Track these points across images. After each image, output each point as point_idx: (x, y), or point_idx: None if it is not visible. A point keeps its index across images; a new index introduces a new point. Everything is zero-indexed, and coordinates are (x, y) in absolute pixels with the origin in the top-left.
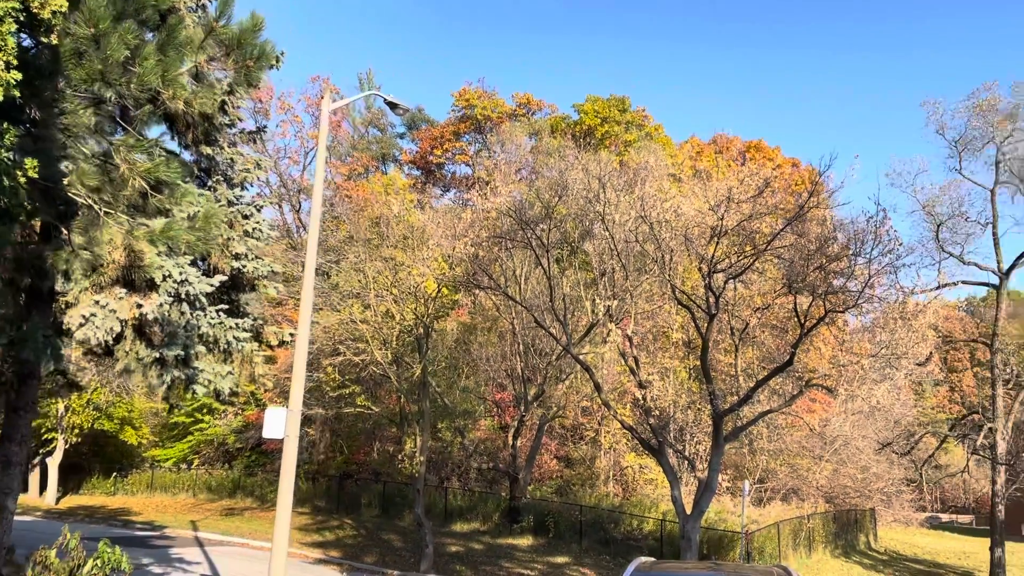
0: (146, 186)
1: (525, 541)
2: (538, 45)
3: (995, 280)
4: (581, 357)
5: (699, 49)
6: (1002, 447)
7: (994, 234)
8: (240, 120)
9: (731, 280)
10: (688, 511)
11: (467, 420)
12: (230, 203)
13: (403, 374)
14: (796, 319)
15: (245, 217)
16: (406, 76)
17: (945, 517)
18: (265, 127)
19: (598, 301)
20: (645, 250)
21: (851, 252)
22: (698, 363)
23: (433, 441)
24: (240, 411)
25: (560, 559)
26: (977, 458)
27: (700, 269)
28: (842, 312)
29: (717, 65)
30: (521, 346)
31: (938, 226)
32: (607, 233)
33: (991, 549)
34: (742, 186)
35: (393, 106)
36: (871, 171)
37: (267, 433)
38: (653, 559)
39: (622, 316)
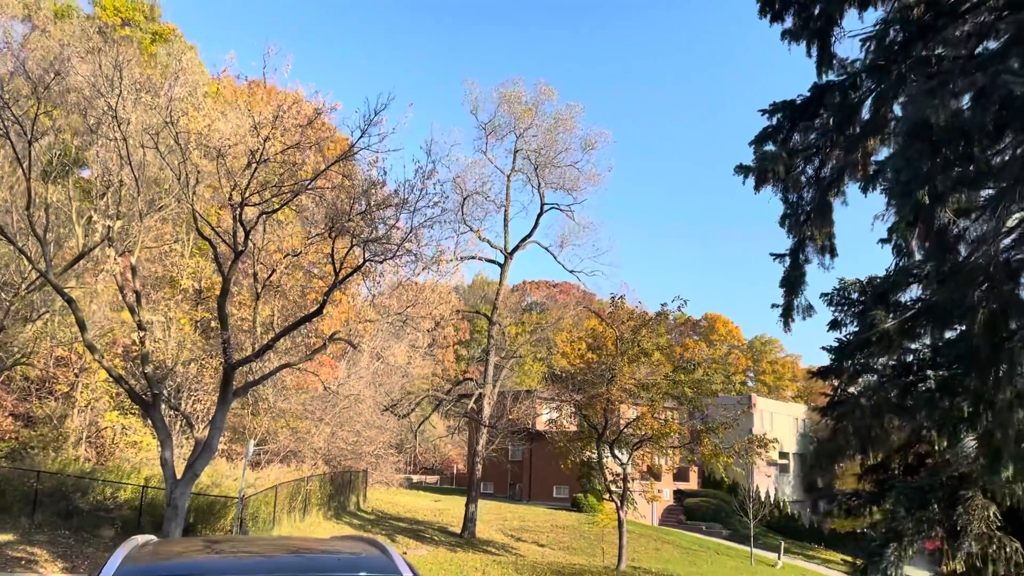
0: None
1: None
2: None
3: (501, 259)
4: (66, 291)
5: None
6: (487, 411)
7: (505, 217)
8: None
9: (265, 216)
10: (180, 475)
11: None
12: None
13: None
14: (331, 266)
15: None
16: None
17: (416, 478)
18: None
19: (97, 218)
20: (166, 168)
21: (397, 200)
22: (206, 315)
23: None
24: None
25: (2, 537)
26: (466, 421)
27: (231, 198)
28: (380, 262)
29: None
30: None
31: (464, 199)
32: (119, 134)
33: (467, 505)
34: (290, 111)
35: None
36: (423, 127)
37: None
38: (154, 538)
39: (125, 249)
